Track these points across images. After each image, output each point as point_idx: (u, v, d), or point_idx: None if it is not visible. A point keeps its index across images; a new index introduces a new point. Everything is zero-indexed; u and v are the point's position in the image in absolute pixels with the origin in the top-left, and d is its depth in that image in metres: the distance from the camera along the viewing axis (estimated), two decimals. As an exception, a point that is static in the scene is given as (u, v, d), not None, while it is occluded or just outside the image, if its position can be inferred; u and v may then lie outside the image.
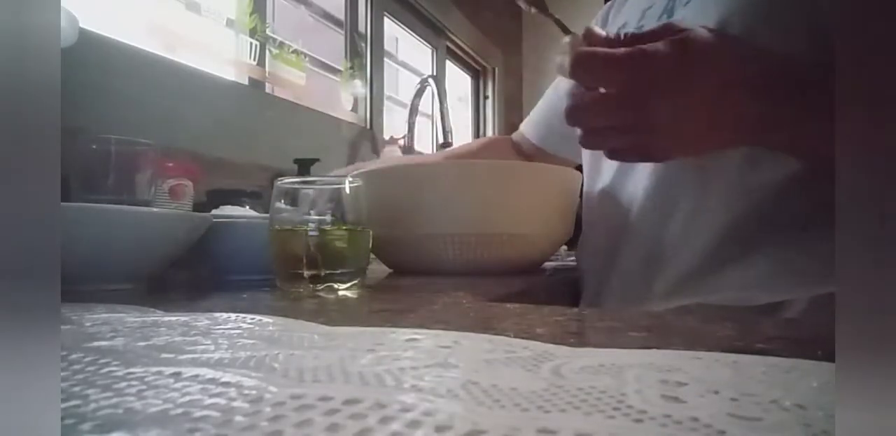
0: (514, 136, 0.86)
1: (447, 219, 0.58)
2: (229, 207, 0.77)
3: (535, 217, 0.61)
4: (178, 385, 0.14)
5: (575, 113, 0.40)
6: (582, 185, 0.67)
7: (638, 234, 0.54)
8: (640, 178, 0.54)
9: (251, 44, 1.43)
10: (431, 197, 0.59)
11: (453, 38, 2.30)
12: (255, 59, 1.44)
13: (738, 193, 0.48)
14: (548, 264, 0.79)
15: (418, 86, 1.60)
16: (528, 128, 0.82)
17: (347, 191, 0.41)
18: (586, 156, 0.67)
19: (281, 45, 1.55)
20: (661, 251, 0.52)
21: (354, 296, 0.38)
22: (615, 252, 0.56)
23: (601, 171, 0.62)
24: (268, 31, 1.50)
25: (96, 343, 0.19)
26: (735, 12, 0.46)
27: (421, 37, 2.21)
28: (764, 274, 0.46)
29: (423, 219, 0.58)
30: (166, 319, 0.24)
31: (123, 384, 0.14)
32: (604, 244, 0.59)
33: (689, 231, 0.50)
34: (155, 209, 0.47)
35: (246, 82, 1.40)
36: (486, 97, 2.67)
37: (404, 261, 0.64)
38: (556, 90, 0.77)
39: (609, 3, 0.72)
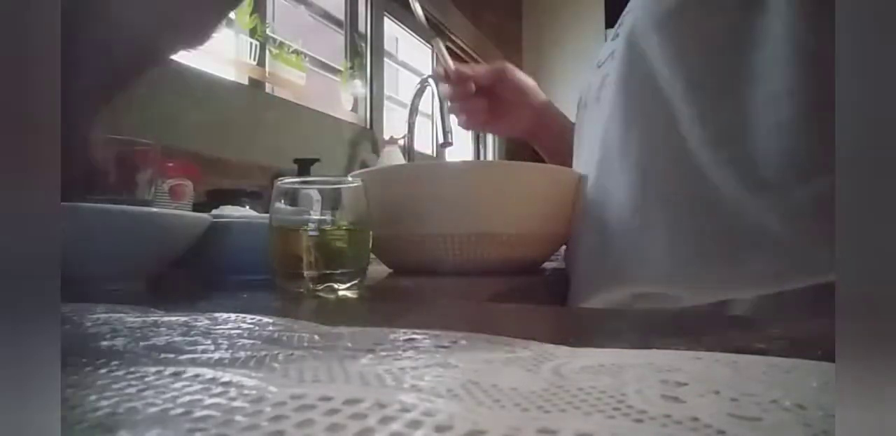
0: None
1: (447, 219, 0.58)
2: (229, 207, 0.76)
3: (535, 217, 0.61)
4: (178, 385, 0.14)
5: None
6: None
7: (586, 227, 0.56)
8: (586, 176, 0.58)
9: (251, 44, 1.43)
10: (431, 197, 0.59)
11: (453, 38, 2.30)
12: (255, 59, 1.44)
13: (676, 188, 0.48)
14: (548, 264, 0.79)
15: (418, 86, 1.60)
16: None
17: (347, 191, 0.41)
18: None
19: (281, 45, 1.55)
20: (605, 247, 0.53)
21: (354, 296, 0.38)
22: (574, 247, 0.59)
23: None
24: (268, 31, 1.50)
25: (96, 343, 0.19)
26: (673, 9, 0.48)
27: (421, 37, 2.21)
28: (702, 272, 0.46)
29: (423, 219, 0.58)
30: (166, 319, 0.24)
31: (123, 384, 0.14)
32: (570, 242, 0.62)
33: (627, 226, 0.51)
34: (154, 209, 0.48)
35: (246, 82, 1.40)
36: (486, 97, 2.67)
37: (404, 261, 0.64)
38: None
39: None
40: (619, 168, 0.51)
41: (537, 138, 0.81)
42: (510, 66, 0.76)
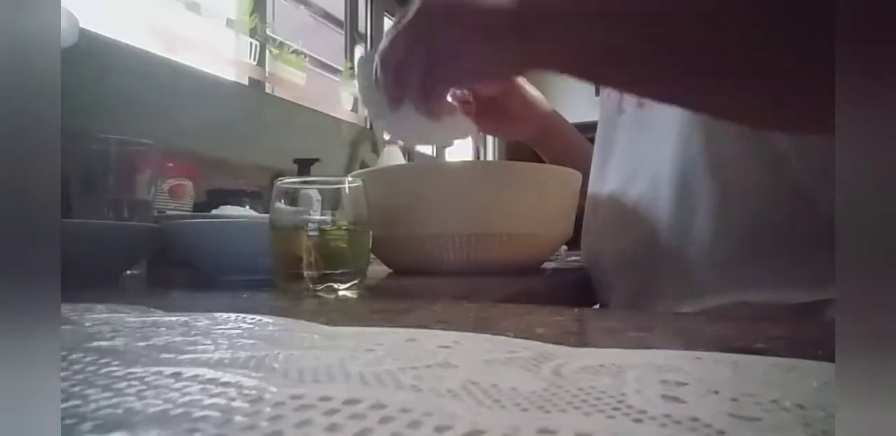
0: None
1: (447, 219, 0.58)
2: (229, 207, 0.77)
3: (535, 217, 0.61)
4: (178, 385, 0.14)
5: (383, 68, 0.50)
6: (585, 189, 0.67)
7: (667, 237, 0.55)
8: (657, 181, 0.55)
9: (251, 44, 1.43)
10: (431, 197, 0.59)
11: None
12: (255, 59, 1.44)
13: (761, 192, 0.49)
14: (548, 264, 0.79)
15: (418, 86, 1.60)
16: None
17: (347, 191, 0.41)
18: (594, 163, 0.67)
19: (281, 45, 1.55)
20: (693, 253, 0.52)
21: (354, 296, 0.38)
22: (646, 257, 0.57)
23: (606, 176, 0.63)
24: (268, 31, 1.50)
25: (96, 343, 0.19)
26: None
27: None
28: (797, 272, 0.47)
29: (423, 219, 0.58)
30: (166, 319, 0.24)
31: (123, 384, 0.14)
32: (630, 249, 0.59)
33: (717, 230, 0.51)
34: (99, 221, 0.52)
35: (246, 82, 1.40)
36: (486, 97, 2.67)
37: (404, 261, 0.64)
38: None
39: None
40: (706, 181, 0.51)
41: (540, 144, 0.84)
42: (518, 80, 0.78)
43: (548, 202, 0.62)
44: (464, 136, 0.66)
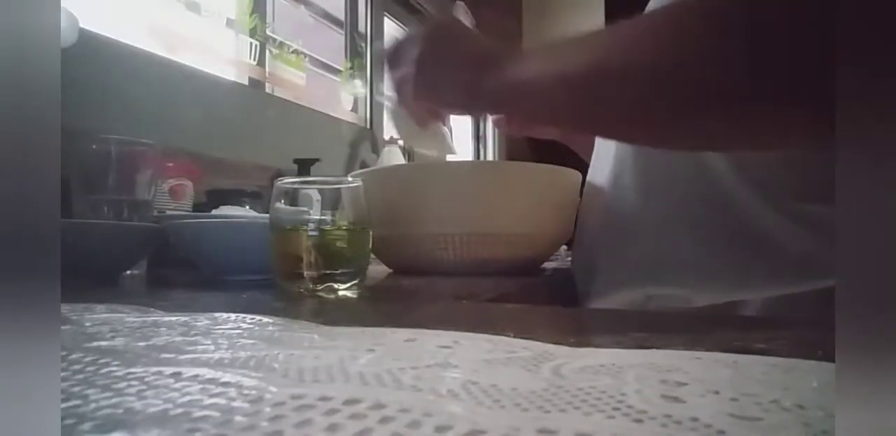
0: None
1: (447, 219, 0.58)
2: (229, 207, 0.77)
3: (535, 217, 0.61)
4: (178, 385, 0.14)
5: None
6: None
7: (604, 232, 0.56)
8: (604, 174, 0.57)
9: (251, 44, 1.43)
10: (431, 197, 0.59)
11: (453, 38, 2.30)
12: (255, 59, 1.44)
13: (681, 189, 0.49)
14: (548, 264, 0.79)
15: (418, 86, 1.60)
16: None
17: (347, 191, 0.41)
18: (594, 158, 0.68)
19: (281, 45, 1.55)
20: (618, 245, 0.53)
21: (354, 296, 0.38)
22: (587, 250, 0.58)
23: (594, 172, 0.64)
24: (268, 31, 1.50)
25: (96, 343, 0.19)
26: None
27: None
28: (707, 273, 0.47)
29: (423, 219, 0.58)
30: (166, 319, 0.24)
31: (123, 384, 0.14)
32: (587, 244, 0.61)
33: (637, 224, 0.52)
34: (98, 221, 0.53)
35: (246, 82, 1.40)
36: (486, 97, 2.67)
37: (404, 261, 0.64)
38: None
39: None
40: (636, 176, 0.52)
41: (572, 143, 0.87)
42: None
43: (548, 202, 0.62)
44: (440, 152, 0.69)
